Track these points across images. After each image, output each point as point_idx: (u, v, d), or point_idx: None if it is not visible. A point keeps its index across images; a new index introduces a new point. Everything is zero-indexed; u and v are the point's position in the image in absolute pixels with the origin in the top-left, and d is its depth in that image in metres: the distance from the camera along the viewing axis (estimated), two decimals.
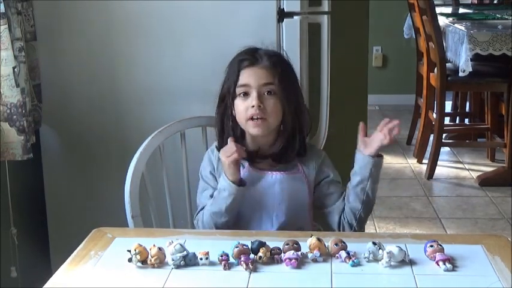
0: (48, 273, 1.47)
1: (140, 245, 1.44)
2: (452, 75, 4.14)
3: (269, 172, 1.75)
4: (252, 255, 1.44)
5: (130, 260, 1.44)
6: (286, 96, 1.71)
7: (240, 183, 1.68)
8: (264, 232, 1.67)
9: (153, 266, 1.42)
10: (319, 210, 1.80)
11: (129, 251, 1.44)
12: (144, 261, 1.43)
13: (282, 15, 2.13)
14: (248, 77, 1.71)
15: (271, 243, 1.47)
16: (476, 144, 4.84)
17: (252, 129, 1.72)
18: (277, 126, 1.75)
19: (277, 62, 1.73)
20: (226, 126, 1.78)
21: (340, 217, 1.75)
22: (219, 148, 1.78)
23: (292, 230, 1.70)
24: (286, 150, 1.75)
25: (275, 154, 1.76)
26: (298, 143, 1.76)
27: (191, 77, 2.21)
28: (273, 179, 1.74)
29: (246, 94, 1.71)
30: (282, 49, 2.11)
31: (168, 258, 1.44)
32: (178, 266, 1.42)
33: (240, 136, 1.77)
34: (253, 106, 1.69)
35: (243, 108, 1.71)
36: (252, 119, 1.70)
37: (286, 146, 1.76)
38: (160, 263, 1.43)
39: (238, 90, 1.72)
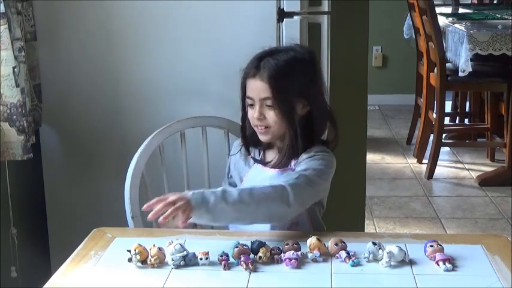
0: (48, 273, 1.47)
1: (140, 245, 1.44)
2: (452, 75, 4.14)
3: (265, 168, 1.79)
4: (252, 255, 1.44)
5: (130, 260, 1.44)
6: (285, 109, 1.73)
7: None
8: (264, 232, 1.67)
9: (153, 266, 1.42)
10: None
11: (129, 251, 1.44)
12: (144, 261, 1.43)
13: (282, 15, 2.13)
14: (250, 90, 1.75)
15: (271, 243, 1.47)
16: (476, 144, 4.84)
17: (259, 135, 1.78)
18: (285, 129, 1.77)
19: (275, 75, 1.72)
20: (246, 124, 1.83)
21: None
22: (243, 142, 1.84)
23: (286, 224, 1.72)
24: (291, 151, 1.76)
25: (279, 158, 1.78)
26: (301, 146, 1.75)
27: (191, 77, 2.21)
28: (267, 176, 1.76)
29: (252, 104, 1.76)
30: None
31: (168, 258, 1.44)
32: (178, 266, 1.42)
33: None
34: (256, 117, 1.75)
35: (251, 116, 1.77)
36: (257, 126, 1.76)
37: (292, 146, 1.76)
38: (160, 262, 1.43)
39: (247, 101, 1.77)
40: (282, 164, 1.76)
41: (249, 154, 1.85)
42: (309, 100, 1.76)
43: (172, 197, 1.48)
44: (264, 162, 1.81)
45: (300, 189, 1.62)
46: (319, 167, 1.69)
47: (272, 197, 1.57)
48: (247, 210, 1.54)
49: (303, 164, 1.71)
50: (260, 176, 1.77)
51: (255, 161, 1.83)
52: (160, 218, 1.45)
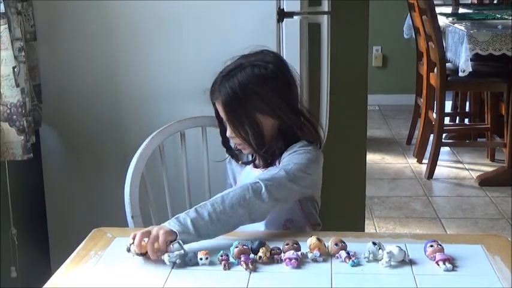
0: (48, 273, 1.47)
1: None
2: (452, 75, 4.14)
3: (254, 169, 1.80)
4: (252, 255, 1.44)
5: (128, 250, 1.44)
6: (245, 132, 1.71)
7: None
8: (264, 232, 1.67)
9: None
10: None
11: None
12: (142, 254, 1.43)
13: (282, 15, 2.13)
14: (219, 111, 1.75)
15: (271, 243, 1.47)
16: (476, 144, 4.84)
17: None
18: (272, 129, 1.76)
19: (229, 102, 1.70)
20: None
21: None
22: (228, 154, 1.88)
23: (281, 221, 1.73)
24: (267, 158, 1.77)
25: (261, 160, 1.79)
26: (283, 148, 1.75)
27: (191, 77, 2.20)
28: (256, 176, 1.73)
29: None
30: (282, 51, 2.11)
31: (165, 256, 1.43)
32: (175, 265, 1.42)
33: None
34: None
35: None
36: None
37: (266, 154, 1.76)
38: (159, 252, 1.43)
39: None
40: (267, 164, 1.76)
41: (238, 161, 1.85)
42: (274, 114, 1.72)
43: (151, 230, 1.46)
44: (253, 164, 1.82)
45: (276, 183, 1.59)
46: (302, 161, 1.67)
47: (244, 196, 1.55)
48: (225, 218, 1.52)
49: (286, 159, 1.69)
50: (251, 176, 1.75)
51: (244, 163, 1.84)
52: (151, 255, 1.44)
